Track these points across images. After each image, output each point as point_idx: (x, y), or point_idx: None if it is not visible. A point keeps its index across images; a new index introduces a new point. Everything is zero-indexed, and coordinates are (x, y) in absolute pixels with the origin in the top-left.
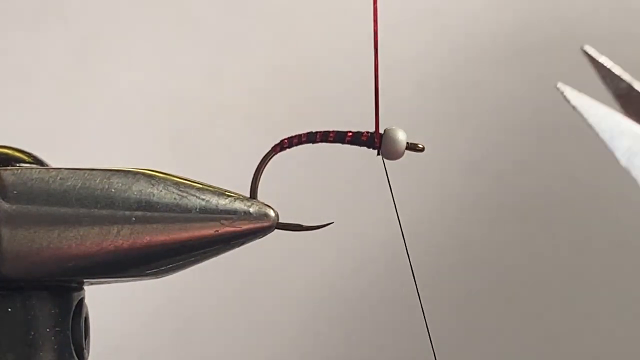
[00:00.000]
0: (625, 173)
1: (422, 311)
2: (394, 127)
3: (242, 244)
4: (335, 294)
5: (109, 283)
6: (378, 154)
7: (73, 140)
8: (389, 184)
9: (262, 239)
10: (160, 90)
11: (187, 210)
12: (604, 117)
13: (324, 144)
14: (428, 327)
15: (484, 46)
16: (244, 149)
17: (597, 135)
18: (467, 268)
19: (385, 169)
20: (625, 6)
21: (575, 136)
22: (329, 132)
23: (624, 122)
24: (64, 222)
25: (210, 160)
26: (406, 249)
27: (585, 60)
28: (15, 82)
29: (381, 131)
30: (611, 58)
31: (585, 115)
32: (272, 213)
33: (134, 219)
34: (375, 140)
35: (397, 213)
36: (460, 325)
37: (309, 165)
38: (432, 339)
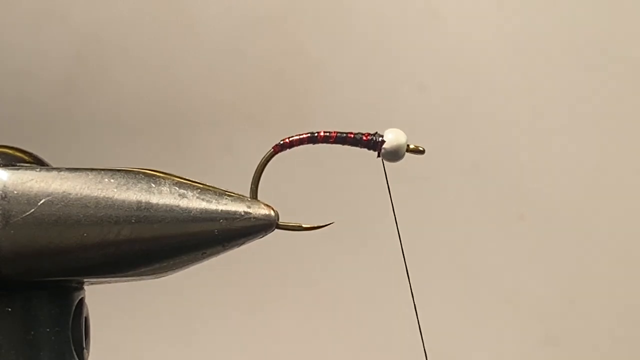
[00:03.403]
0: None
1: (415, 309)
2: (395, 130)
3: (242, 244)
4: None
5: (109, 283)
6: (378, 156)
7: (73, 139)
8: (388, 188)
9: (262, 238)
10: (160, 90)
11: (187, 210)
12: None
13: (324, 144)
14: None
15: (484, 47)
16: (244, 149)
17: None
18: (466, 268)
19: (384, 171)
20: None
21: (573, 135)
22: (330, 132)
23: None
24: (64, 222)
25: (210, 160)
26: (402, 251)
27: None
28: (16, 82)
29: (381, 132)
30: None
31: None
32: (272, 213)
33: (134, 219)
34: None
35: (395, 216)
36: (453, 323)
37: (309, 165)
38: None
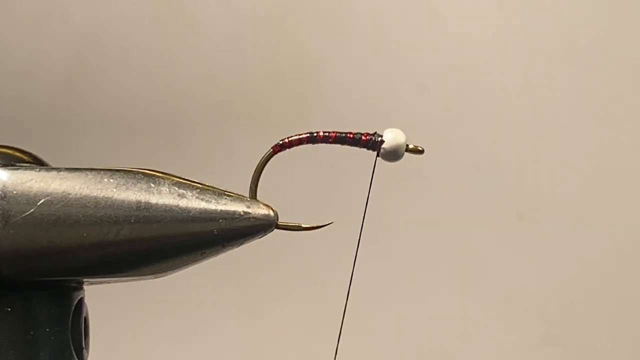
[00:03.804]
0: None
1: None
2: (394, 129)
3: (242, 243)
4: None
5: (109, 283)
6: (378, 156)
7: (73, 139)
8: (370, 185)
9: (262, 238)
10: (160, 90)
11: (186, 210)
12: None
13: (323, 144)
14: None
15: (483, 48)
16: (244, 149)
17: None
18: (466, 267)
19: (373, 169)
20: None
21: (573, 135)
22: (329, 133)
23: None
24: (64, 221)
25: (210, 160)
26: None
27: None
28: (16, 82)
29: (381, 132)
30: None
31: None
32: (271, 213)
33: (133, 219)
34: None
35: (366, 211)
36: (456, 323)
37: (309, 165)
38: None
